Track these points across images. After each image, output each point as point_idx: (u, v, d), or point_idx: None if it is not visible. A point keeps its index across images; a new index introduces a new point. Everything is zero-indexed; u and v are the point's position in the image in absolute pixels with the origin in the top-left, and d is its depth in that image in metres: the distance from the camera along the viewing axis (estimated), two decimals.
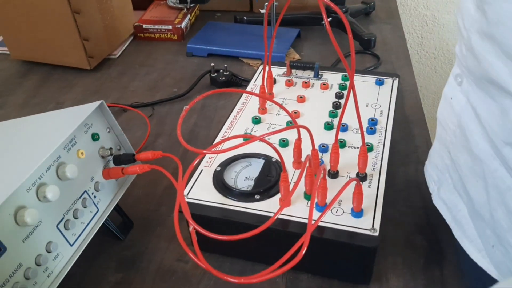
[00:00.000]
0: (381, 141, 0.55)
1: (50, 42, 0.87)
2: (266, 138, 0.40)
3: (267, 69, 0.61)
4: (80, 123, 0.47)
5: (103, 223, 0.50)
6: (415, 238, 0.54)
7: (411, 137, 0.70)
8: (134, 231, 0.56)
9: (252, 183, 0.50)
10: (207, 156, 0.53)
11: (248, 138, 0.42)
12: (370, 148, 0.53)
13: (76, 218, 0.46)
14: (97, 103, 0.51)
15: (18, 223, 0.40)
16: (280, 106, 0.48)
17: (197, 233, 0.38)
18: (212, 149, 0.46)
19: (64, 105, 0.81)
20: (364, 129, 0.56)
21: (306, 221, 0.45)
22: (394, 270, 0.50)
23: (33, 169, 0.41)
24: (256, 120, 0.58)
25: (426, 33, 1.33)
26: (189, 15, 1.04)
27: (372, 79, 0.67)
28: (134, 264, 0.52)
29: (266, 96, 0.49)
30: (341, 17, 0.39)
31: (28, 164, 0.42)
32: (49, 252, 0.43)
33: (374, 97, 0.63)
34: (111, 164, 0.52)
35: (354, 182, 0.44)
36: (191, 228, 0.39)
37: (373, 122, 0.57)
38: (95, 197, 0.49)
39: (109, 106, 0.77)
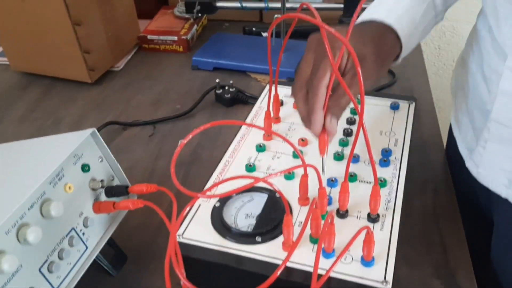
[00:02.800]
0: (396, 175, 0.51)
1: (51, 54, 0.84)
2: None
3: (273, 91, 0.57)
4: (68, 154, 0.44)
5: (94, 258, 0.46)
6: (432, 282, 0.50)
7: (427, 163, 0.66)
8: (128, 265, 0.53)
9: (253, 221, 0.46)
10: (205, 187, 0.49)
11: (249, 178, 0.38)
12: (383, 184, 0.49)
13: (61, 259, 0.43)
14: (88, 131, 0.47)
15: None
16: (285, 139, 0.44)
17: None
18: (207, 193, 0.42)
19: (63, 121, 0.78)
20: (377, 161, 0.52)
21: (311, 269, 0.41)
22: None
23: (13, 209, 0.38)
24: (261, 148, 0.54)
25: (444, 44, 1.28)
26: (196, 25, 1.00)
27: (387, 102, 0.62)
28: None
29: (269, 130, 0.45)
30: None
31: (8, 203, 0.39)
32: None
33: (389, 123, 0.58)
34: (103, 196, 0.48)
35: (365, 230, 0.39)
36: (182, 283, 0.35)
37: (386, 154, 0.53)
38: (83, 234, 0.45)
39: (109, 123, 0.74)
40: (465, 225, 0.57)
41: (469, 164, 0.59)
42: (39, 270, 0.41)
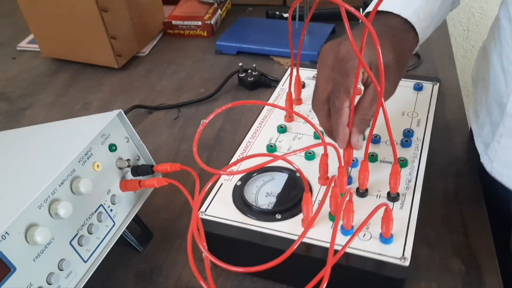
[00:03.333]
0: (417, 155, 0.51)
1: (79, 40, 0.86)
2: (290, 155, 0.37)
3: (294, 73, 0.58)
4: (96, 134, 0.46)
5: (121, 234, 0.48)
6: (452, 262, 0.50)
7: (450, 146, 0.65)
8: (154, 242, 0.55)
9: (273, 199, 0.47)
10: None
11: (270, 156, 0.39)
12: (404, 163, 0.49)
13: (90, 234, 0.45)
14: (115, 112, 0.49)
15: (29, 241, 0.39)
16: (306, 119, 0.45)
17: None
18: (228, 169, 0.43)
19: (91, 106, 0.80)
20: (399, 141, 0.52)
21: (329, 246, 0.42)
22: None
23: (45, 185, 0.40)
24: (282, 129, 0.55)
25: (472, 26, 1.25)
26: (219, 10, 1.01)
27: (410, 83, 0.62)
28: (151, 278, 0.51)
29: (290, 110, 0.45)
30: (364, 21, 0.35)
31: (41, 179, 0.41)
32: (61, 270, 0.41)
33: (411, 104, 0.58)
34: (129, 175, 0.50)
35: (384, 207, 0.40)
36: (204, 255, 0.36)
37: (408, 134, 0.53)
38: (111, 210, 0.47)
39: (135, 107, 0.76)
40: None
41: (483, 160, 0.57)
42: (70, 243, 0.43)
